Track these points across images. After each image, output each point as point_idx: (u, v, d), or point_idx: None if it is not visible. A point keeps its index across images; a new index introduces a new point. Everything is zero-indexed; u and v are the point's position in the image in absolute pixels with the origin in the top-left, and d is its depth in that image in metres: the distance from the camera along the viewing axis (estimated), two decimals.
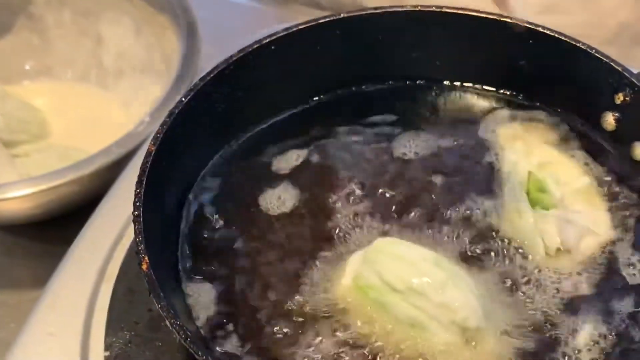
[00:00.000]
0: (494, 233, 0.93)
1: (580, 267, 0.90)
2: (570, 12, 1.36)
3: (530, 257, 0.90)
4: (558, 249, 0.90)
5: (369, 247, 0.88)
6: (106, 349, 0.92)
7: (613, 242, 0.92)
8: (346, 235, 0.93)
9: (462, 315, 0.81)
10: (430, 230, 0.93)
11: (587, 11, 1.36)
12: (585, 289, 0.88)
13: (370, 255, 0.87)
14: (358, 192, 0.98)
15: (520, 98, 1.07)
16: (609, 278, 0.89)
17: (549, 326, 0.85)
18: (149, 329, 0.93)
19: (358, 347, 0.84)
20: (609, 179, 0.97)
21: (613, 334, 0.84)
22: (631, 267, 0.90)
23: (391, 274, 0.84)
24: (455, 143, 1.03)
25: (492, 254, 0.91)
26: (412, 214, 0.95)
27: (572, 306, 0.86)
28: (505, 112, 1.06)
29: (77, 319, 0.96)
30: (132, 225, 0.84)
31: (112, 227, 1.05)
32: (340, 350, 0.84)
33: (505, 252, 0.91)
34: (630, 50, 1.38)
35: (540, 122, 1.04)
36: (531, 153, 0.99)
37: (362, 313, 0.86)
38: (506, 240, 0.92)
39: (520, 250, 0.91)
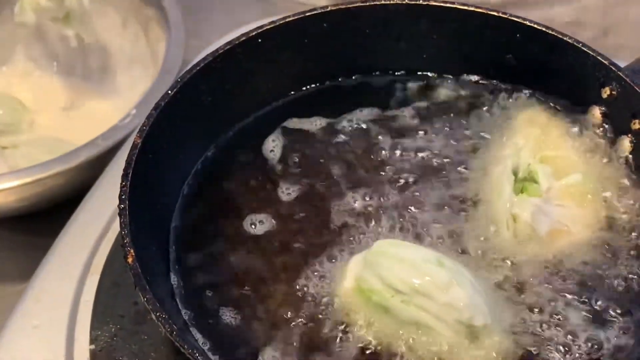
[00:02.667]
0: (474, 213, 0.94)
1: (549, 259, 0.89)
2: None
3: (499, 239, 0.90)
4: (527, 236, 0.90)
5: (370, 250, 0.86)
6: (91, 342, 0.92)
7: (587, 241, 0.91)
8: (344, 234, 0.93)
9: (468, 314, 0.81)
10: (417, 227, 0.93)
11: None
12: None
13: (371, 258, 0.85)
14: (351, 185, 0.98)
15: (509, 90, 1.07)
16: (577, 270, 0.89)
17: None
18: (135, 322, 0.93)
19: (363, 351, 0.83)
20: (594, 174, 0.97)
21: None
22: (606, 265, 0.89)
23: (393, 277, 0.83)
24: (444, 132, 1.03)
25: (469, 235, 0.91)
26: (402, 206, 0.95)
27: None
28: (488, 103, 1.06)
29: (63, 312, 0.96)
30: (118, 218, 0.84)
31: (98, 220, 1.05)
32: (345, 354, 0.83)
33: (477, 233, 0.91)
34: None
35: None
36: (540, 142, 0.99)
37: (365, 316, 0.85)
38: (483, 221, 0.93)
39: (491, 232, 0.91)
